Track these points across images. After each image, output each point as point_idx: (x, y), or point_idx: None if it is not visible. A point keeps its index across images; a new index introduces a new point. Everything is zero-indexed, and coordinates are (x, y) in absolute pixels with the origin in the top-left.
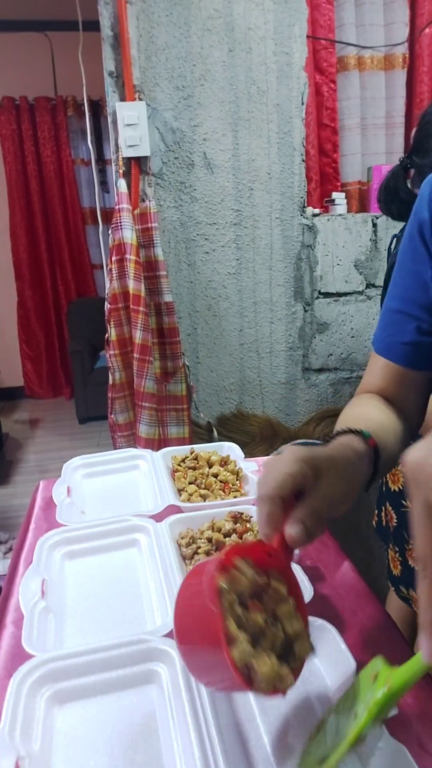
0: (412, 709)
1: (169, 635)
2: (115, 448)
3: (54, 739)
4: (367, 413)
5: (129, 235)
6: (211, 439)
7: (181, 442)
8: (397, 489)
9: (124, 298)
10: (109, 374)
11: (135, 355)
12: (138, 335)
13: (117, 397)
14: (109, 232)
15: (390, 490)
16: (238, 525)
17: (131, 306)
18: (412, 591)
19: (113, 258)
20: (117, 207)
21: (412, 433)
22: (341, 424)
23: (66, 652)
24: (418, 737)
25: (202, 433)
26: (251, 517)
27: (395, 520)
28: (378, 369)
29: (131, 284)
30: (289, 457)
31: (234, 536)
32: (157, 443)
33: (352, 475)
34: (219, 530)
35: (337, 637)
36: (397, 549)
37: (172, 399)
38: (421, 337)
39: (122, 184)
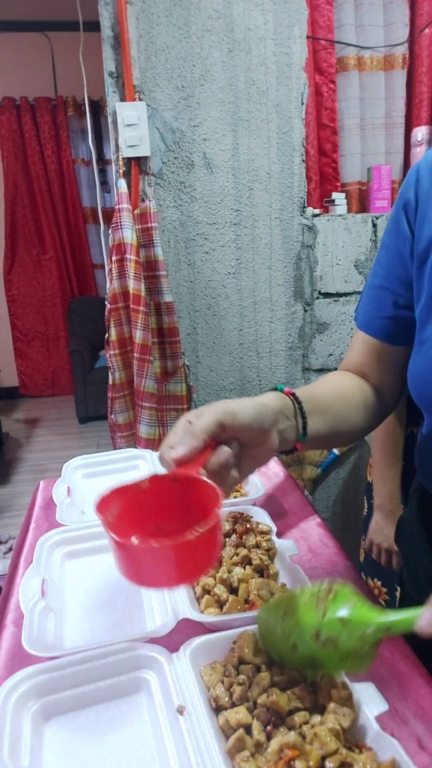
0: (410, 708)
1: (158, 640)
2: (115, 448)
3: (43, 754)
4: (326, 381)
5: (129, 235)
6: None
7: (154, 444)
8: (371, 480)
9: (124, 297)
10: (109, 374)
11: (135, 355)
12: (138, 335)
13: (117, 396)
14: (109, 232)
15: (367, 483)
16: (237, 525)
17: (131, 306)
18: (370, 580)
19: (113, 258)
20: (117, 207)
21: (386, 412)
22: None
23: (51, 665)
24: (417, 735)
25: None
26: (251, 517)
27: (365, 510)
28: (358, 344)
29: (131, 284)
30: (220, 408)
31: (234, 536)
32: (157, 443)
33: (262, 424)
34: None
35: None
36: (364, 537)
37: (172, 399)
38: (399, 311)
39: (122, 184)
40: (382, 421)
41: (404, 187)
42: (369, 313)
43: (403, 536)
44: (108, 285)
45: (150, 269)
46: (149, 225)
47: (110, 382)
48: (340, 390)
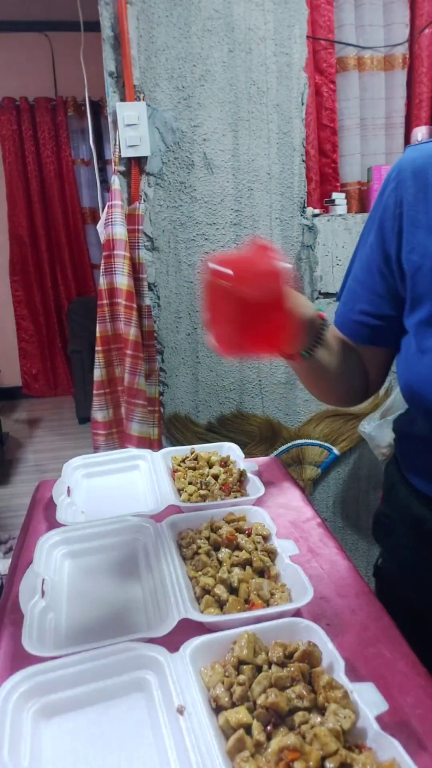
0: (410, 708)
1: (158, 640)
2: (94, 448)
3: (43, 754)
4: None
5: (120, 231)
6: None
7: (148, 442)
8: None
9: (110, 294)
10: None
11: (128, 352)
12: (132, 332)
13: (97, 394)
14: (102, 228)
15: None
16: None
17: (125, 302)
18: None
19: (104, 254)
20: (109, 203)
21: (357, 400)
22: None
23: (51, 665)
24: (417, 736)
25: (202, 434)
26: (245, 526)
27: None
28: None
29: (125, 280)
30: None
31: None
32: (151, 442)
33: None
34: (217, 531)
35: (324, 637)
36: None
37: (150, 400)
38: (365, 317)
39: (115, 180)
40: (356, 403)
41: (383, 192)
42: (343, 315)
43: (383, 531)
44: (100, 281)
45: (134, 271)
46: (135, 227)
47: (94, 378)
48: (352, 350)
